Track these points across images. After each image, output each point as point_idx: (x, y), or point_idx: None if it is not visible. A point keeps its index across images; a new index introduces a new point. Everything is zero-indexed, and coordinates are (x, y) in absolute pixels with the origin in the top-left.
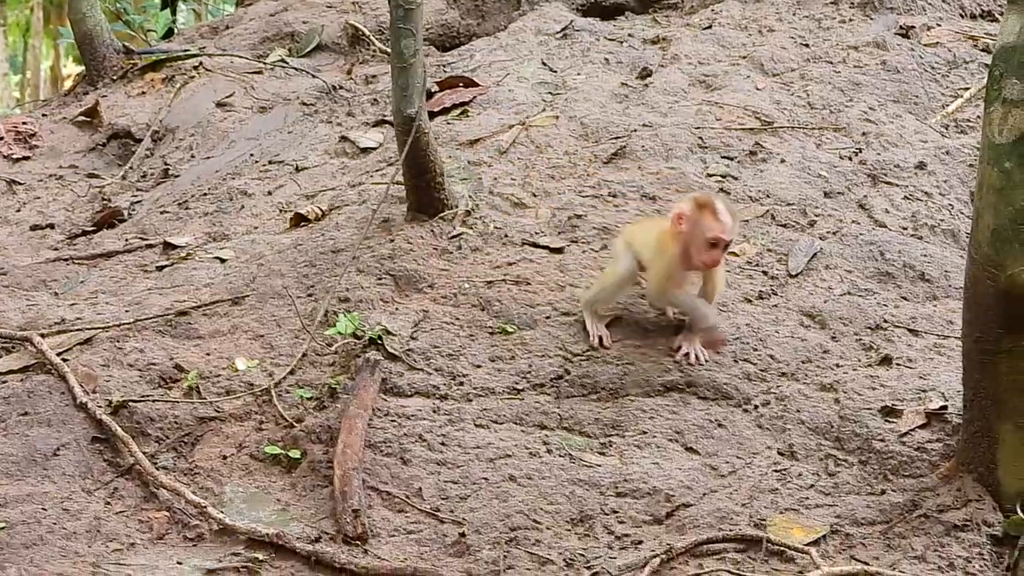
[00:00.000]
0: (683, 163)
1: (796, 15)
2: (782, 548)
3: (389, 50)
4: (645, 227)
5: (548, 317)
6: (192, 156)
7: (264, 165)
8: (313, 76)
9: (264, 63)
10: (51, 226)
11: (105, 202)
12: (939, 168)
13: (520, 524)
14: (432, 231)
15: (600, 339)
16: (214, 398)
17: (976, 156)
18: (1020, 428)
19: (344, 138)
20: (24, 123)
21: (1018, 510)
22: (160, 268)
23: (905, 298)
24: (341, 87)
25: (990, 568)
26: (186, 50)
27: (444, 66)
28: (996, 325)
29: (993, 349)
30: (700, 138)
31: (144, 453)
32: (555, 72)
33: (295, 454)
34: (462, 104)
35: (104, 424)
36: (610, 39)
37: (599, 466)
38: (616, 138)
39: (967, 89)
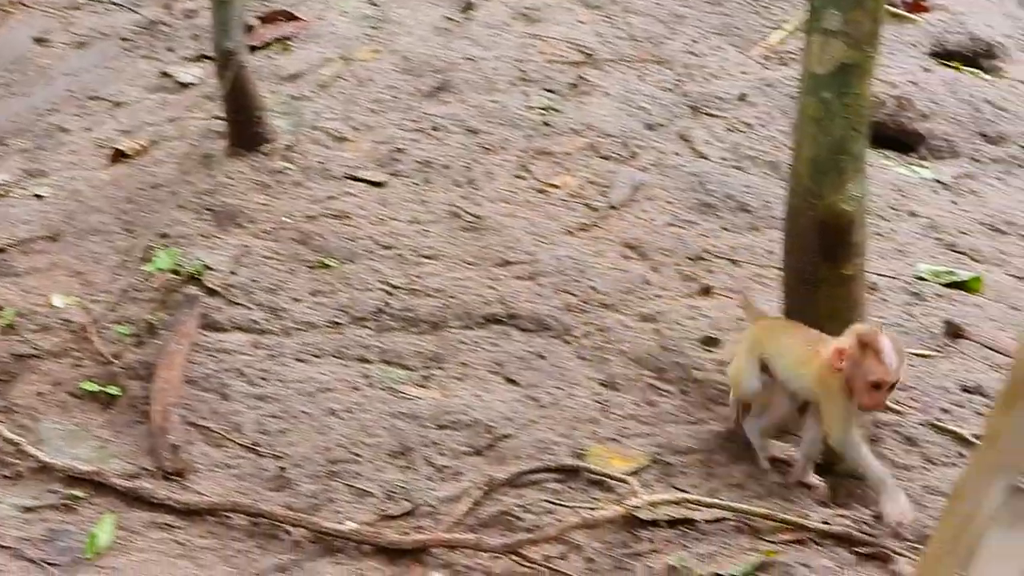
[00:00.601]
0: (505, 96)
1: None
2: (602, 478)
3: None
4: (786, 339)
5: (369, 251)
6: (11, 93)
7: (83, 101)
8: (132, 11)
9: None
10: None
11: None
12: (760, 100)
13: (340, 457)
14: (253, 166)
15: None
16: (31, 335)
17: (797, 87)
18: None
19: (164, 73)
20: None
21: None
22: None
23: (726, 229)
24: (161, 22)
25: (807, 496)
26: None
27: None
28: (814, 254)
29: (811, 278)
30: (522, 71)
31: None
32: (377, 6)
33: (113, 390)
34: (284, 38)
35: None
36: None
37: (420, 399)
38: (438, 72)
39: (788, 21)
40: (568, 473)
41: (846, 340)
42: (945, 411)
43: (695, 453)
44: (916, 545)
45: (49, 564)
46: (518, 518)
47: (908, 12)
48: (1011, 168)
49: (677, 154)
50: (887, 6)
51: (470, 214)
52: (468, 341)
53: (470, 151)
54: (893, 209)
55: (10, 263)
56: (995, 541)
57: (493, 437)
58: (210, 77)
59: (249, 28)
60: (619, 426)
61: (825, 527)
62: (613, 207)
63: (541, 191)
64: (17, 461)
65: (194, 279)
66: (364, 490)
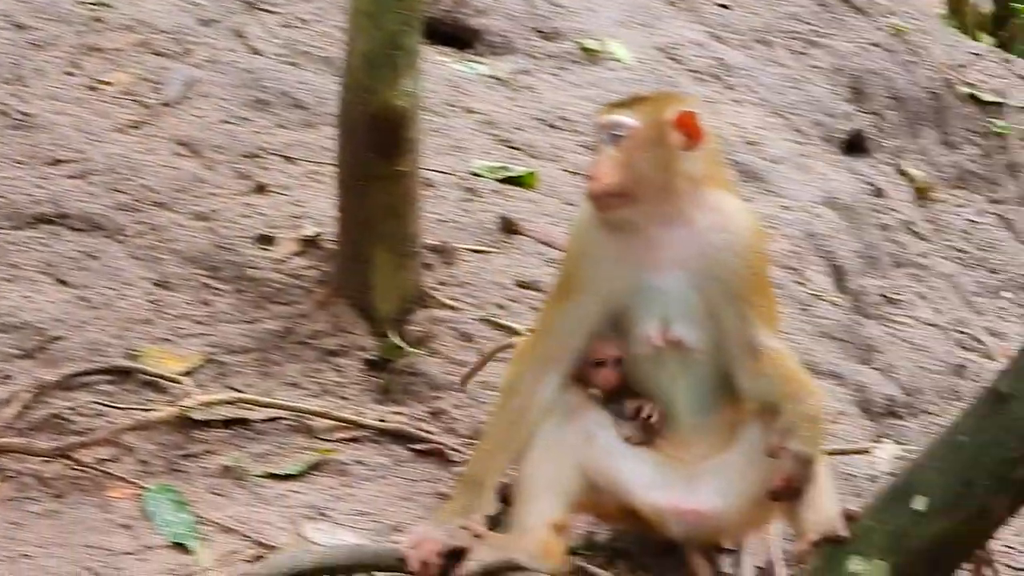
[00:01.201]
0: None
1: None
2: (155, 379)
3: None
4: None
5: None
6: None
7: None
8: None
9: None
10: None
11: None
12: None
13: None
14: None
15: None
16: None
17: None
18: (391, 251)
19: None
20: None
21: (389, 334)
22: None
23: (281, 126)
24: None
25: (364, 393)
26: None
27: None
28: (368, 150)
29: (365, 175)
30: None
31: None
32: None
33: None
34: None
35: None
36: None
37: None
38: None
39: None
40: (121, 374)
41: None
42: (500, 307)
43: (250, 352)
44: (472, 441)
45: None
46: (69, 421)
47: None
48: (565, 64)
49: (231, 50)
50: None
51: (18, 112)
52: (17, 242)
53: (18, 47)
54: (449, 105)
55: None
56: (547, 435)
57: (43, 339)
58: None
59: None
60: (173, 326)
61: (381, 424)
62: (166, 104)
63: (92, 88)
64: None
65: None
66: None
